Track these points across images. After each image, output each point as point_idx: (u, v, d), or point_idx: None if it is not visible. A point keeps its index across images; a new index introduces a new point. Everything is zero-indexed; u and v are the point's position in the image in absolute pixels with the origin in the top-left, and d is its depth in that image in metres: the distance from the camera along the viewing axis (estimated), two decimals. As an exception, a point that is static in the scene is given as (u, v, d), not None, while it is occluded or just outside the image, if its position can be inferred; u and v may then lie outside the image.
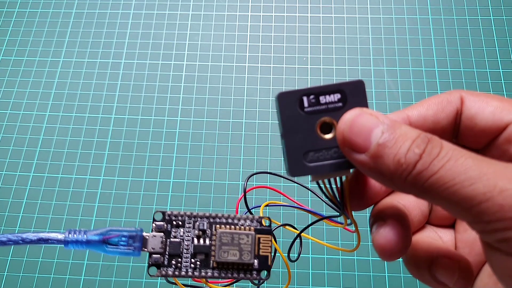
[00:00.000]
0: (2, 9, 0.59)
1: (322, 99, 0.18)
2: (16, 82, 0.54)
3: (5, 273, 0.45)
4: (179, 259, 0.20)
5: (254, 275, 0.20)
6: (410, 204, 0.21)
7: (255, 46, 0.55)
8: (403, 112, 0.20)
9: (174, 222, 0.21)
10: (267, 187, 0.25)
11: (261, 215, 0.21)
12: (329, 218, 0.22)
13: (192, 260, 0.20)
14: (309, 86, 0.18)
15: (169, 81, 0.54)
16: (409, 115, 0.19)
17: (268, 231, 0.21)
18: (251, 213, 0.22)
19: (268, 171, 0.24)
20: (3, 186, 0.49)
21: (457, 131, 0.19)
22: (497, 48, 0.54)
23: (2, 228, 0.47)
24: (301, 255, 0.44)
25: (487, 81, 0.52)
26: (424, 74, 0.53)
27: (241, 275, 0.20)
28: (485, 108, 0.18)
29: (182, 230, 0.21)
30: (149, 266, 0.20)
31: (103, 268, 0.45)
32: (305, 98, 0.18)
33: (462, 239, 0.21)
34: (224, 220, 0.21)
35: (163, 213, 0.21)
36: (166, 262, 0.20)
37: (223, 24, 0.57)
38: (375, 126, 0.16)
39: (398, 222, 0.19)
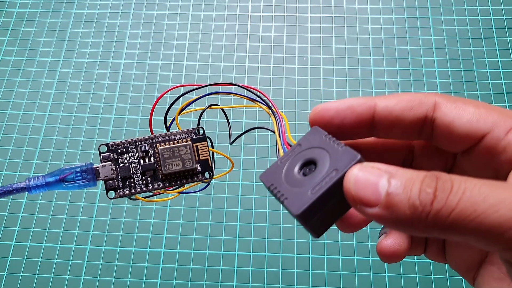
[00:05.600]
0: (2, 9, 0.59)
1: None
2: (16, 82, 0.54)
3: (5, 273, 0.45)
4: (131, 180, 0.23)
5: (200, 177, 0.23)
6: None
7: (255, 46, 0.55)
8: (372, 99, 0.20)
9: (119, 150, 0.23)
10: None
11: (176, 121, 0.24)
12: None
13: (143, 178, 0.23)
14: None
15: (169, 81, 0.54)
16: (377, 104, 0.20)
17: (203, 138, 0.24)
18: (167, 128, 0.24)
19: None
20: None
21: (431, 134, 0.20)
22: (497, 48, 0.54)
23: (2, 228, 0.47)
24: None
25: (487, 81, 0.52)
26: (424, 74, 0.53)
27: (189, 179, 0.23)
28: (462, 117, 0.18)
29: (127, 155, 0.23)
30: (107, 191, 0.22)
31: (103, 268, 0.45)
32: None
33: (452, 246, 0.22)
34: (162, 139, 0.23)
35: (107, 144, 0.23)
36: (120, 185, 0.22)
37: (223, 24, 0.57)
38: (379, 177, 0.16)
39: (400, 237, 0.21)
